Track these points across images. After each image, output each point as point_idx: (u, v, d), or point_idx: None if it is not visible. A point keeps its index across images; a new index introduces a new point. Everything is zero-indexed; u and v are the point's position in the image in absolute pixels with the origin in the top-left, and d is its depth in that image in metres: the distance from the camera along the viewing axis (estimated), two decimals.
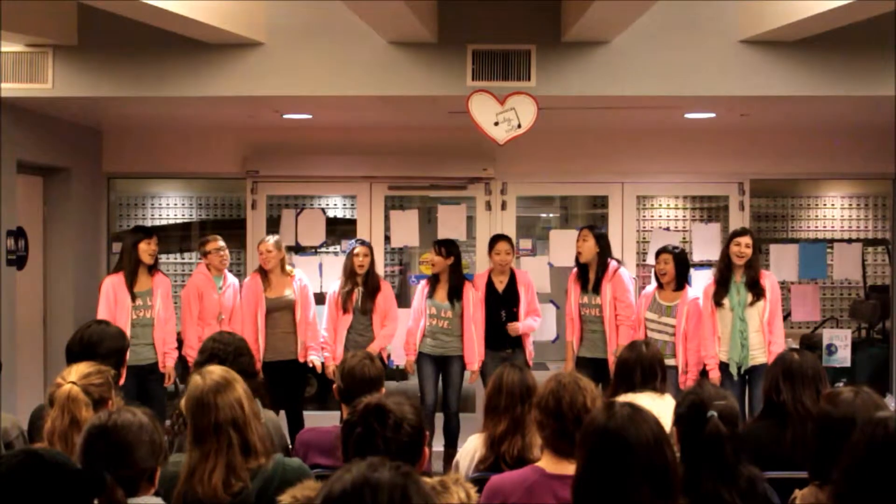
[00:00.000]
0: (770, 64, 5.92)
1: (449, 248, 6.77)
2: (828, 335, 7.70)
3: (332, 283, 6.99)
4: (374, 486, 1.73)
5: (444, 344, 6.74)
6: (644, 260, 8.22)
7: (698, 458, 2.77)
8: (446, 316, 6.71)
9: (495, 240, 6.82)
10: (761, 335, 6.13)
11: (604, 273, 6.56)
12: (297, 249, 8.06)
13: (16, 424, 3.76)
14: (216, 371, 3.03)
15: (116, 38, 5.99)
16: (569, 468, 2.71)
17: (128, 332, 4.78)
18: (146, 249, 6.37)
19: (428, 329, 6.76)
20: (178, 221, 10.09)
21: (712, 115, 6.97)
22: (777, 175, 8.15)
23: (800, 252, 7.88)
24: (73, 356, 3.84)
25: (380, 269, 7.20)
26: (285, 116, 7.22)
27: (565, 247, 7.49)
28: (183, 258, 10.09)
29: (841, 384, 5.37)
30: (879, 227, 9.75)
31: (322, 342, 6.75)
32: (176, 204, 10.14)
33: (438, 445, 6.62)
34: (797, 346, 7.15)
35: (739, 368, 6.15)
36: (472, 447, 3.70)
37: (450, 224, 7.84)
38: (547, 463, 3.02)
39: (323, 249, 8.33)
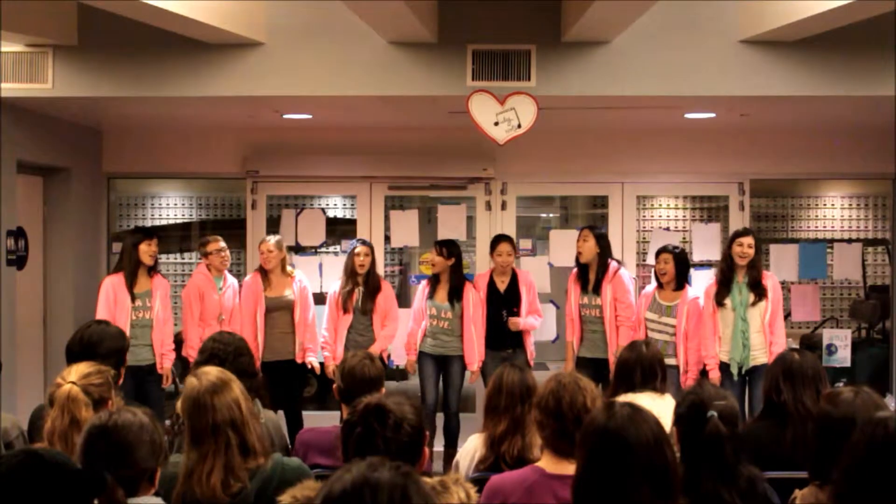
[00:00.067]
0: (770, 64, 5.92)
1: (450, 248, 6.77)
2: (828, 335, 7.70)
3: (333, 283, 6.99)
4: (374, 486, 1.73)
5: (444, 344, 6.75)
6: (644, 260, 8.22)
7: (698, 458, 2.77)
8: (446, 317, 6.71)
9: (497, 241, 6.82)
10: (762, 335, 6.13)
11: (604, 274, 6.56)
12: (297, 249, 8.06)
13: (16, 424, 3.76)
14: (212, 372, 3.03)
15: (116, 38, 5.99)
16: (569, 468, 2.71)
17: (127, 333, 4.77)
18: (146, 251, 6.37)
19: (428, 329, 6.77)
20: (178, 221, 10.09)
21: (712, 115, 6.97)
22: (777, 175, 8.15)
23: (800, 252, 7.88)
24: (73, 356, 3.84)
25: (380, 269, 7.20)
26: (285, 116, 7.22)
27: (565, 247, 7.49)
28: (183, 258, 10.10)
29: (841, 384, 5.37)
30: (879, 227, 9.75)
31: (322, 342, 6.76)
32: (176, 204, 10.14)
33: (439, 445, 6.62)
34: (797, 347, 7.15)
35: (740, 368, 6.15)
36: (472, 447, 3.70)
37: (450, 224, 7.84)
38: (547, 463, 3.02)
39: (323, 249, 8.33)
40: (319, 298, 7.17)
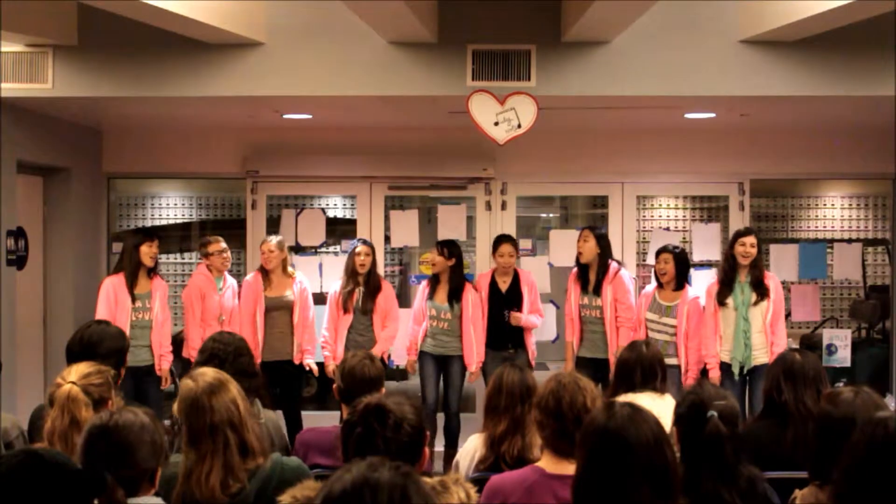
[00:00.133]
0: (770, 64, 5.92)
1: (451, 248, 6.77)
2: (828, 335, 7.70)
3: (333, 283, 6.99)
4: (374, 486, 1.73)
5: (444, 344, 6.75)
6: (644, 260, 8.22)
7: (698, 458, 2.76)
8: (445, 317, 6.72)
9: (499, 241, 6.82)
10: (764, 335, 6.13)
11: (604, 274, 6.56)
12: (297, 249, 8.06)
13: (16, 424, 3.76)
14: (208, 373, 3.02)
15: (116, 38, 5.99)
16: (569, 468, 2.71)
17: (128, 334, 4.77)
18: (147, 252, 6.38)
19: (429, 330, 6.77)
20: (178, 221, 10.09)
21: (712, 115, 6.97)
22: (777, 175, 8.15)
23: (800, 252, 7.88)
24: (73, 356, 3.83)
25: (380, 269, 7.20)
26: (285, 116, 7.22)
27: (565, 247, 7.49)
28: (183, 258, 10.10)
29: (841, 384, 5.36)
30: (879, 227, 9.75)
31: (323, 342, 6.76)
32: (176, 204, 10.14)
33: (439, 445, 6.63)
34: (797, 347, 7.15)
35: (742, 368, 6.14)
36: (472, 447, 3.70)
37: (450, 224, 7.84)
38: (547, 463, 3.02)
39: (323, 249, 8.33)
40: (319, 298, 7.17)
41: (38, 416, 3.70)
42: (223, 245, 6.76)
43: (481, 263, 7.78)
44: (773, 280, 6.27)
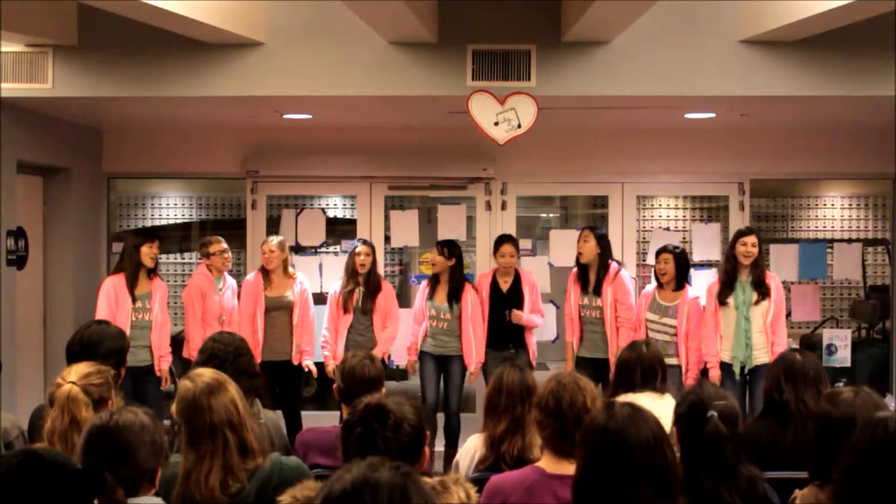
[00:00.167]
0: (770, 64, 5.92)
1: (451, 248, 6.77)
2: (828, 335, 7.70)
3: (333, 283, 6.99)
4: (374, 486, 1.73)
5: (444, 344, 6.75)
6: (644, 260, 8.22)
7: (698, 458, 2.76)
8: (445, 317, 6.72)
9: (500, 241, 6.81)
10: (764, 335, 6.13)
11: (604, 274, 6.56)
12: (298, 249, 8.05)
13: (16, 424, 3.76)
14: (206, 373, 3.02)
15: (116, 38, 5.99)
16: (569, 468, 2.71)
17: (128, 334, 4.76)
18: (148, 253, 6.38)
19: (429, 330, 6.77)
20: (178, 221, 10.09)
21: (712, 115, 6.97)
22: (777, 175, 8.15)
23: (800, 252, 7.88)
24: (73, 356, 3.83)
25: (380, 269, 7.20)
26: (285, 116, 7.22)
27: (565, 247, 7.49)
28: (183, 258, 10.09)
29: (841, 384, 5.36)
30: (879, 227, 9.75)
31: (323, 341, 6.76)
32: (176, 204, 10.14)
33: (439, 445, 6.63)
34: (797, 347, 7.15)
35: (743, 368, 6.14)
36: (472, 447, 3.70)
37: (450, 224, 7.84)
38: (547, 463, 3.02)
39: (323, 249, 8.33)
40: (319, 298, 7.17)
41: (38, 416, 3.70)
42: (224, 245, 6.76)
43: (481, 263, 7.78)
44: (774, 280, 6.27)
